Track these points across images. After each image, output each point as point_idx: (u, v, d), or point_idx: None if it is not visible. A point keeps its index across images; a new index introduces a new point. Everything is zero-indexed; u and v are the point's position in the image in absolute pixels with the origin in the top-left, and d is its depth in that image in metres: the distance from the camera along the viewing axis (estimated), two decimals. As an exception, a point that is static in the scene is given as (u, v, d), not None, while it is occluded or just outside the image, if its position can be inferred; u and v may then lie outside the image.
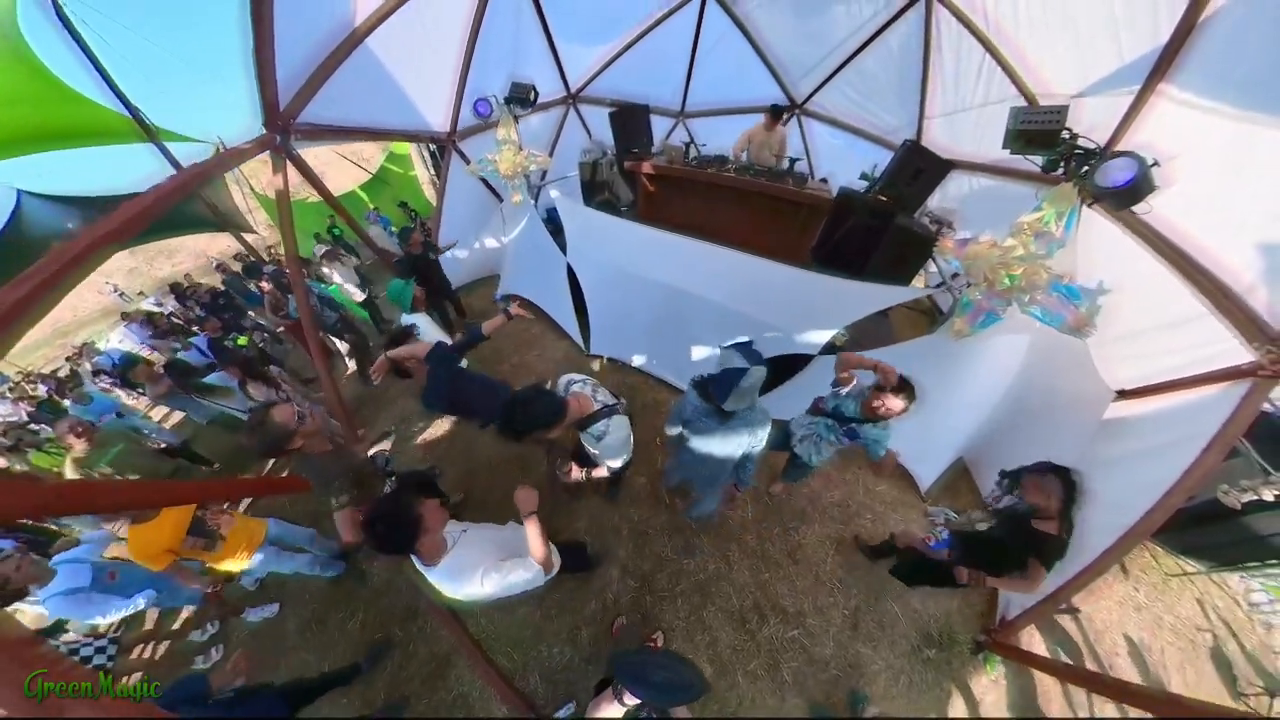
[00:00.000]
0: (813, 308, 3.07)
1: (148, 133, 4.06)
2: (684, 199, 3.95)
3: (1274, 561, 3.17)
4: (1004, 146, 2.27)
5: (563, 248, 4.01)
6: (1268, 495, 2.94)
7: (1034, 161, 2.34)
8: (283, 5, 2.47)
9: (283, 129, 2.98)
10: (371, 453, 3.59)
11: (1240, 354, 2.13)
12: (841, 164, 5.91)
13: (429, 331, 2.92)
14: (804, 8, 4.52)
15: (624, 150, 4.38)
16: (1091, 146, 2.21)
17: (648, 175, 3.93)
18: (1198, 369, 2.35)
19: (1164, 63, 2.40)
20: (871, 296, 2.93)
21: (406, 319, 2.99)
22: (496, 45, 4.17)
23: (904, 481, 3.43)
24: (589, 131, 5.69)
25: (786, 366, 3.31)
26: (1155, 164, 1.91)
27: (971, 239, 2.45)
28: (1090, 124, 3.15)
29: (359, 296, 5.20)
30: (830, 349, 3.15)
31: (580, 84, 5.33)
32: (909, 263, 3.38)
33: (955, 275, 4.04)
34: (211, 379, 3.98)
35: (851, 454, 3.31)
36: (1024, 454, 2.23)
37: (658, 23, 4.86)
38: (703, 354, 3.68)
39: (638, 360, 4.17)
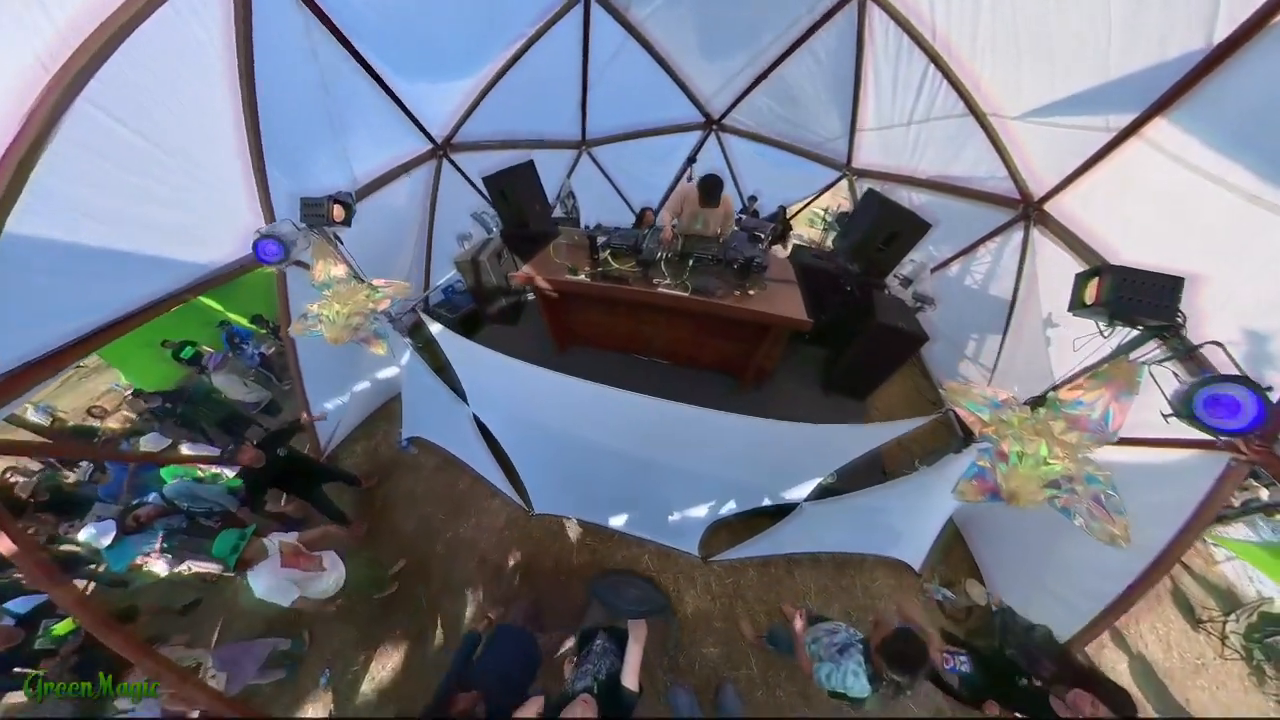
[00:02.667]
0: (787, 459, 2.45)
1: None
2: (602, 311, 3.13)
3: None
4: (1072, 308, 1.64)
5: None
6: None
7: (1101, 330, 1.64)
8: None
9: None
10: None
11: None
12: (768, 181, 5.44)
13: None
14: (707, 13, 3.74)
15: (514, 229, 3.37)
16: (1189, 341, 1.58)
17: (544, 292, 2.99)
18: (1175, 430, 2.24)
19: (1166, 101, 2.11)
20: (861, 438, 2.27)
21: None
22: (299, 125, 2.82)
23: (899, 566, 3.24)
24: (473, 184, 4.46)
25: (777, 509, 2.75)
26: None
27: (1007, 401, 1.90)
28: (1043, 152, 2.96)
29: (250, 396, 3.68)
30: (823, 492, 2.57)
31: (448, 130, 4.04)
32: (894, 360, 2.88)
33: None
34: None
35: (845, 560, 3.11)
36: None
37: (532, 42, 3.74)
38: (678, 514, 2.93)
39: (595, 519, 3.30)
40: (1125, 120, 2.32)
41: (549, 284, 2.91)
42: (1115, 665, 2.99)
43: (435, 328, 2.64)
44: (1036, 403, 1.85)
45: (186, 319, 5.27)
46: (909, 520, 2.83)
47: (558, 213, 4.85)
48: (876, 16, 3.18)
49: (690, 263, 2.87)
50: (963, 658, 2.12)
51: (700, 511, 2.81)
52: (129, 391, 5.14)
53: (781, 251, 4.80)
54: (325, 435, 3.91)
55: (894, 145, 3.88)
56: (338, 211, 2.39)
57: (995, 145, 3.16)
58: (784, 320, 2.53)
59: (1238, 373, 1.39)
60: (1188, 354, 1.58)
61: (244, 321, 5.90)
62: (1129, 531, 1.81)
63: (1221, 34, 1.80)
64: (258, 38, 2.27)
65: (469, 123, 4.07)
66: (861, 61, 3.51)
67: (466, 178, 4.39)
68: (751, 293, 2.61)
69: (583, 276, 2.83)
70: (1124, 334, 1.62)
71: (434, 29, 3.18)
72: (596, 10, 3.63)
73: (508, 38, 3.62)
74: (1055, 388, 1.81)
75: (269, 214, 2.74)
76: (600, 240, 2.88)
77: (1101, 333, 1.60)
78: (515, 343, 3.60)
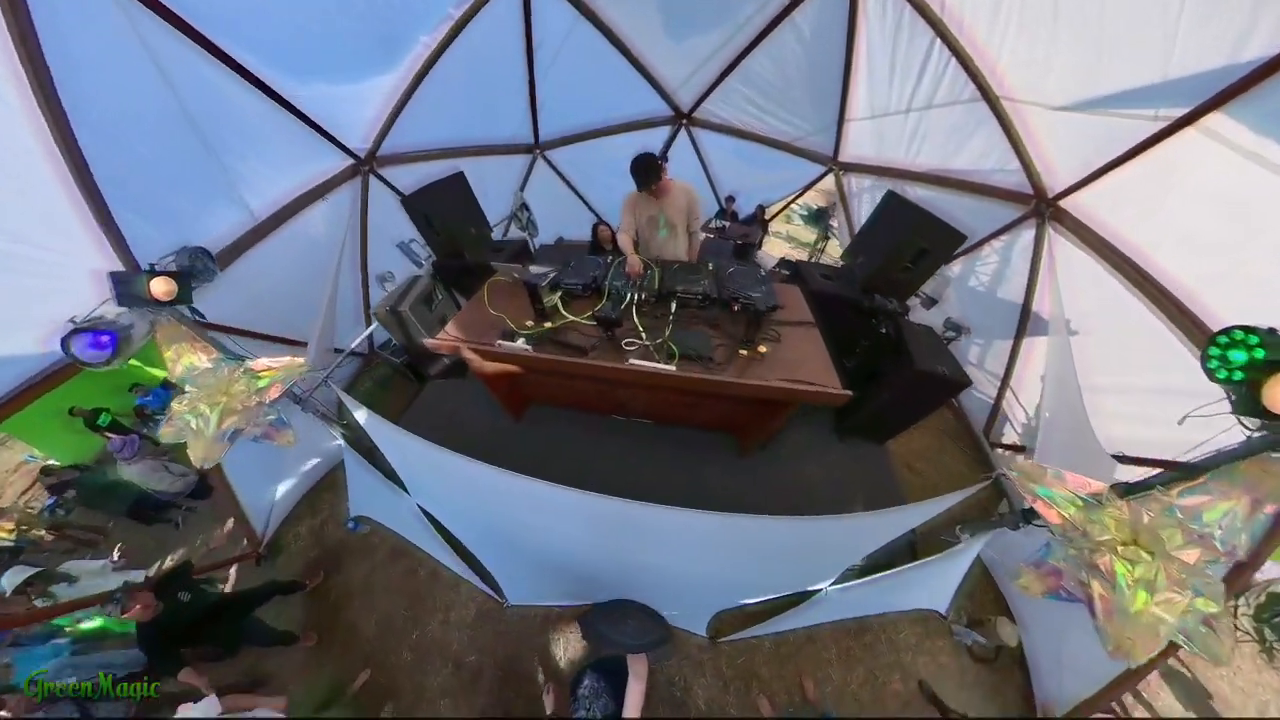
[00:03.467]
0: (806, 556, 2.00)
1: None
2: (561, 378, 2.46)
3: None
4: (1238, 411, 1.19)
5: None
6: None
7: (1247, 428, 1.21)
8: None
9: None
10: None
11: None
12: (746, 180, 4.92)
13: None
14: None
15: (447, 261, 2.80)
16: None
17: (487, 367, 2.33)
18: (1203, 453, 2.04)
19: (1239, 88, 1.73)
20: (895, 525, 1.84)
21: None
22: (155, 155, 2.16)
23: (924, 611, 2.88)
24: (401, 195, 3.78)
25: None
26: None
27: (1098, 494, 1.49)
28: (1065, 143, 2.59)
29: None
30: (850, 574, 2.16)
31: (370, 141, 3.35)
32: (927, 407, 2.46)
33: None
34: None
35: (866, 623, 2.84)
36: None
37: (461, 25, 3.07)
38: (677, 609, 2.43)
39: (583, 602, 2.74)
40: (1180, 110, 1.95)
41: (479, 357, 2.18)
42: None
43: (360, 414, 2.07)
44: (1131, 491, 1.49)
45: (95, 382, 4.42)
46: (940, 579, 2.52)
47: (513, 232, 4.22)
48: (872, -14, 2.70)
49: (673, 306, 2.22)
50: None
51: (701, 604, 2.40)
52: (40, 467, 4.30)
53: (769, 260, 4.35)
54: (261, 522, 3.29)
55: (889, 136, 3.45)
56: (157, 287, 1.67)
57: (1009, 134, 2.76)
58: (813, 395, 1.86)
59: None
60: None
61: (160, 377, 5.04)
62: (1235, 647, 1.52)
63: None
64: (55, 51, 1.62)
65: (397, 130, 3.38)
66: (854, 39, 3.02)
67: (394, 189, 3.72)
68: (762, 350, 1.97)
69: (522, 343, 2.05)
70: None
71: (327, 16, 2.49)
72: (535, -16, 2.99)
73: (429, 22, 2.94)
74: (1167, 481, 1.42)
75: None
76: (545, 280, 2.18)
77: (1247, 429, 1.21)
78: (465, 399, 3.02)
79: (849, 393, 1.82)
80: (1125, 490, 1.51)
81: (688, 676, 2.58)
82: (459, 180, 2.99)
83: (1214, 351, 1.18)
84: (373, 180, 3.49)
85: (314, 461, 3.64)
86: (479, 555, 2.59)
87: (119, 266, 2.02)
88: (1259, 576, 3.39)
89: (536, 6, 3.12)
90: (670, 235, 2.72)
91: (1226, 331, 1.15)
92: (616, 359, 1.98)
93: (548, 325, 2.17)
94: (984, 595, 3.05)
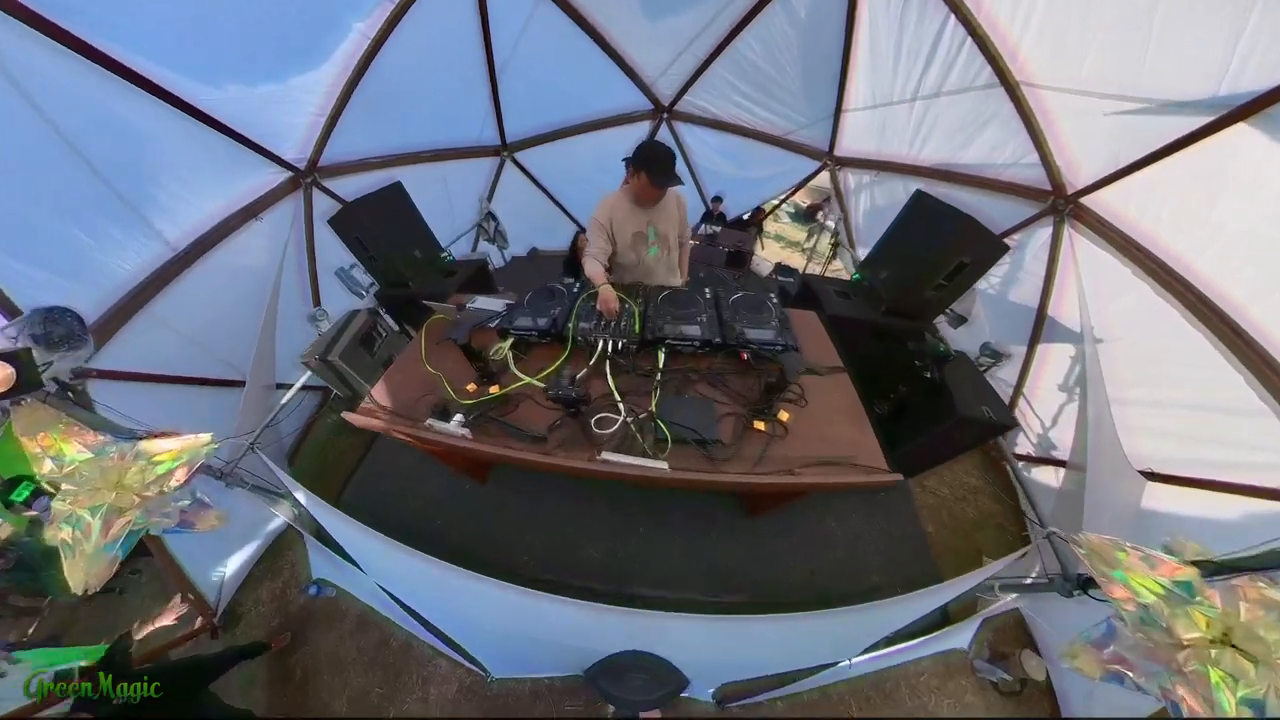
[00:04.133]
0: (826, 639, 1.72)
1: None
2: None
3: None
4: None
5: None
6: None
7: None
8: None
9: None
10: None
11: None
12: (733, 180, 4.53)
13: None
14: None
15: (390, 292, 2.46)
16: None
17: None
18: (1246, 475, 1.89)
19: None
20: (929, 601, 1.52)
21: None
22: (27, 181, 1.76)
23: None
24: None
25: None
26: None
27: (1191, 583, 1.24)
28: (1093, 134, 2.32)
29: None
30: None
31: (309, 149, 2.92)
32: (963, 447, 2.19)
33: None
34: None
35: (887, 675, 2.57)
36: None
37: (403, 10, 2.64)
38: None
39: (573, 672, 2.37)
40: (1244, 97, 1.68)
41: (406, 438, 1.65)
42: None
43: (299, 494, 1.72)
44: (1217, 571, 1.24)
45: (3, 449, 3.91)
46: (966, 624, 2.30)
47: (480, 248, 3.82)
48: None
49: (661, 356, 1.70)
50: None
51: (709, 679, 2.13)
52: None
53: (764, 265, 4.01)
54: (213, 590, 2.92)
55: (892, 128, 3.14)
56: None
57: (1029, 124, 2.48)
58: (858, 485, 1.46)
59: None
60: None
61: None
62: None
63: None
64: None
65: (341, 135, 2.96)
66: (854, 20, 2.68)
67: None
68: (784, 418, 1.50)
69: (458, 422, 1.50)
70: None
71: (238, 5, 2.07)
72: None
73: (363, 6, 2.52)
74: (1259, 565, 1.18)
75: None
76: (491, 322, 1.76)
77: None
78: (420, 460, 2.53)
79: (898, 476, 1.41)
80: (1210, 570, 1.27)
81: (696, 746, 2.33)
82: (396, 192, 2.58)
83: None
84: (319, 195, 3.08)
85: (271, 515, 3.27)
86: (452, 634, 2.29)
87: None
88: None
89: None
90: (662, 253, 2.24)
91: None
92: (583, 453, 1.43)
93: (493, 392, 1.61)
94: (1006, 627, 2.87)
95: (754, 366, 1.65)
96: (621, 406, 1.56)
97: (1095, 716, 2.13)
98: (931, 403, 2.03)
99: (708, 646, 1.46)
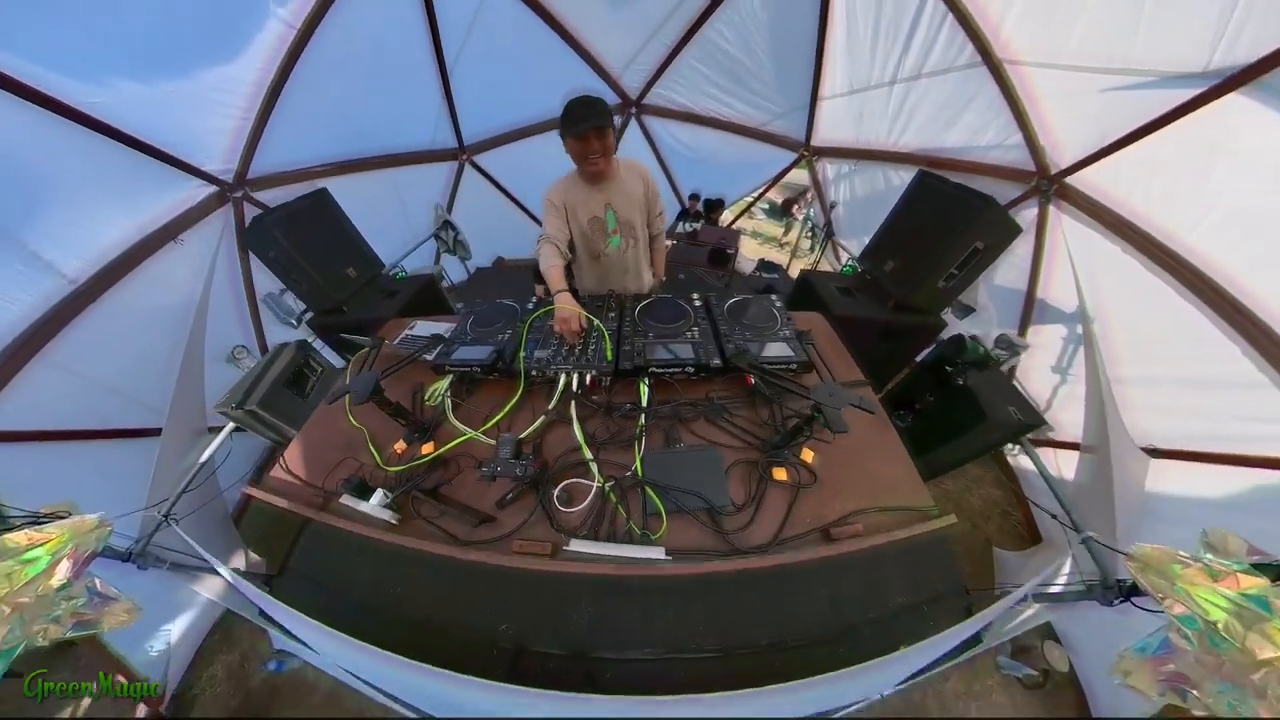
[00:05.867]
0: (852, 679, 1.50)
1: None
2: None
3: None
4: None
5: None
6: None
7: None
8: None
9: None
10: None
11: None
12: (707, 174, 4.36)
13: None
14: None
15: (323, 321, 2.16)
16: None
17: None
18: (1248, 447, 1.87)
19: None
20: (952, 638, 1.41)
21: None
22: None
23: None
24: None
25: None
26: None
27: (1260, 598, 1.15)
28: (1079, 111, 2.27)
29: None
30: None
31: (234, 162, 2.55)
32: (991, 448, 2.03)
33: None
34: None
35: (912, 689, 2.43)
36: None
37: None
38: None
39: None
40: (1236, 67, 1.62)
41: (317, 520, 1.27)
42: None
43: (224, 573, 1.40)
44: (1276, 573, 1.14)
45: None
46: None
47: (443, 260, 3.51)
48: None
49: (644, 389, 1.36)
50: None
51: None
52: None
53: (746, 264, 3.84)
54: (158, 672, 2.52)
55: (870, 114, 3.04)
56: None
57: (1012, 103, 2.41)
58: (915, 538, 1.19)
59: None
60: None
61: None
62: None
63: None
64: None
65: (272, 142, 2.61)
66: (829, 2, 2.55)
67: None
68: (808, 458, 1.21)
69: (376, 503, 1.18)
70: None
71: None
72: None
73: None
74: None
75: None
76: (420, 353, 1.43)
77: None
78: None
79: (951, 518, 1.17)
80: (1275, 574, 1.16)
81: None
82: (320, 200, 2.25)
83: None
84: (253, 210, 2.72)
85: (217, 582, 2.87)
86: (432, 713, 2.00)
87: None
88: None
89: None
90: (626, 245, 1.84)
91: None
92: (544, 540, 1.08)
93: (424, 456, 1.27)
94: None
95: (764, 393, 1.32)
96: (595, 468, 1.19)
97: (1125, 716, 2.06)
98: (955, 406, 1.89)
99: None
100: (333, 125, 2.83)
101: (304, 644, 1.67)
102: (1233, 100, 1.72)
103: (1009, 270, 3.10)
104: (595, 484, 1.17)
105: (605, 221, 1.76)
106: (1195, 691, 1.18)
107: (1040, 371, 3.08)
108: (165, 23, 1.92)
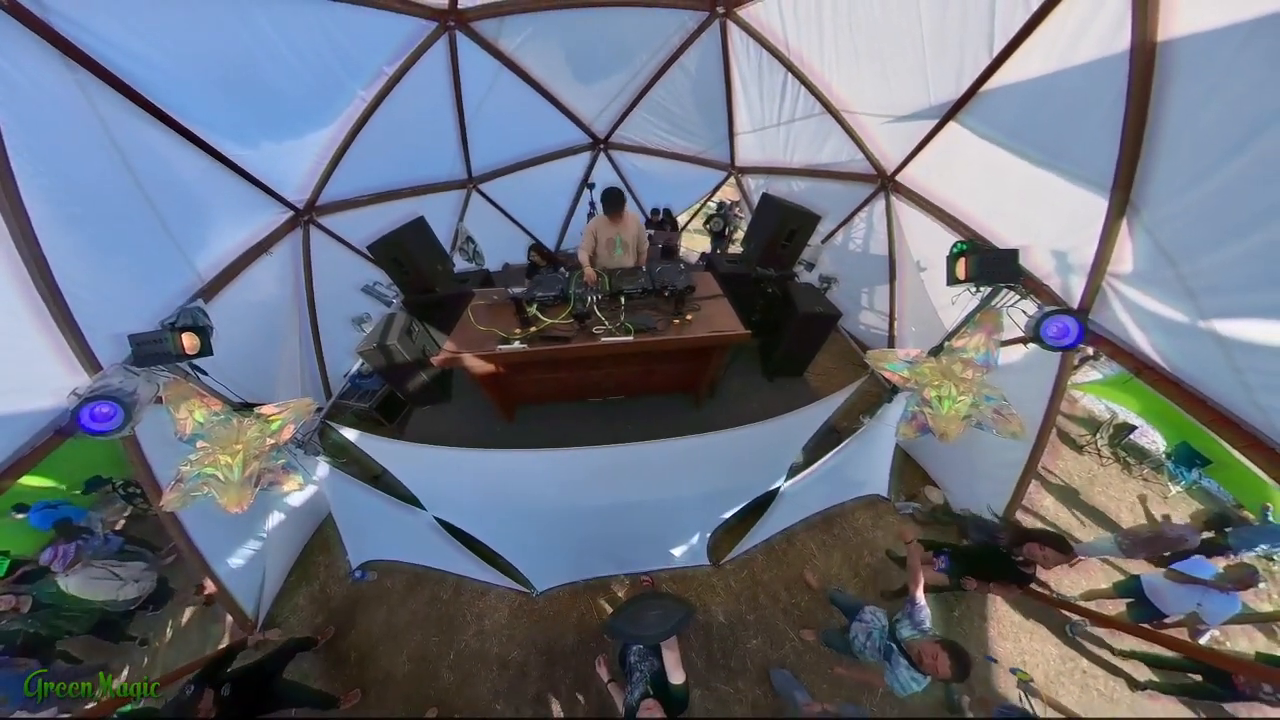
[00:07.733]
0: (757, 459, 2.74)
1: None
2: (545, 370, 2.95)
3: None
4: (950, 282, 2.19)
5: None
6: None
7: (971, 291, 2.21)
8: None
9: None
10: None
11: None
12: (663, 190, 5.65)
13: None
14: (577, 40, 3.74)
15: (418, 297, 3.16)
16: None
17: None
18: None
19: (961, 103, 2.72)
20: (812, 420, 2.61)
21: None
22: (104, 229, 2.16)
23: (872, 500, 3.79)
24: (355, 249, 3.86)
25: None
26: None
27: (916, 358, 2.36)
28: (888, 137, 3.59)
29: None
30: (795, 471, 2.93)
31: (308, 192, 3.42)
32: (819, 338, 3.32)
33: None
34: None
35: (830, 515, 3.58)
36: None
37: (395, 81, 3.35)
38: (678, 540, 3.05)
39: (603, 573, 3.25)
40: (942, 111, 2.91)
41: (484, 360, 2.57)
42: (1040, 502, 3.85)
43: (357, 436, 2.25)
44: (935, 351, 2.30)
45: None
46: (868, 463, 3.28)
47: (459, 263, 4.45)
48: (736, 35, 3.51)
49: (622, 300, 2.78)
50: (943, 556, 2.66)
51: (697, 530, 2.87)
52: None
53: (692, 256, 5.06)
54: (250, 602, 3.05)
55: (769, 143, 4.34)
56: (187, 342, 1.79)
57: (851, 135, 3.72)
58: (727, 339, 2.60)
59: (1063, 306, 1.91)
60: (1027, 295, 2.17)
61: (74, 497, 4.21)
62: (1023, 425, 2.30)
63: (998, 46, 2.35)
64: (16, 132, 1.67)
65: (335, 180, 3.50)
66: (730, 74, 3.85)
67: (347, 244, 3.80)
68: (689, 317, 2.65)
69: (517, 344, 2.54)
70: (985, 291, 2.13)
71: (268, 78, 2.66)
72: (464, 44, 3.37)
73: (364, 79, 3.19)
74: (948, 338, 2.25)
75: (87, 361, 2.00)
76: (526, 298, 2.66)
77: (972, 292, 2.07)
78: (454, 420, 3.27)
79: (748, 332, 2.59)
80: (932, 351, 2.32)
81: (705, 598, 2.99)
82: (420, 224, 3.33)
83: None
84: (316, 233, 3.56)
85: (295, 523, 3.46)
86: (501, 550, 2.80)
87: (69, 353, 1.95)
88: (1105, 414, 4.75)
89: (463, 61, 3.50)
90: (624, 253, 3.47)
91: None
92: (591, 340, 2.56)
93: (533, 329, 2.64)
94: (911, 475, 3.89)
95: (672, 296, 2.71)
96: (605, 321, 2.62)
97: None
98: (785, 311, 3.22)
99: (684, 465, 2.23)
100: (378, 166, 3.76)
101: (413, 501, 2.47)
102: (952, 126, 3.01)
103: (878, 240, 4.40)
104: (605, 325, 2.61)
105: (615, 242, 3.43)
106: (929, 424, 2.28)
107: (911, 311, 4.33)
108: (289, 107, 2.85)
